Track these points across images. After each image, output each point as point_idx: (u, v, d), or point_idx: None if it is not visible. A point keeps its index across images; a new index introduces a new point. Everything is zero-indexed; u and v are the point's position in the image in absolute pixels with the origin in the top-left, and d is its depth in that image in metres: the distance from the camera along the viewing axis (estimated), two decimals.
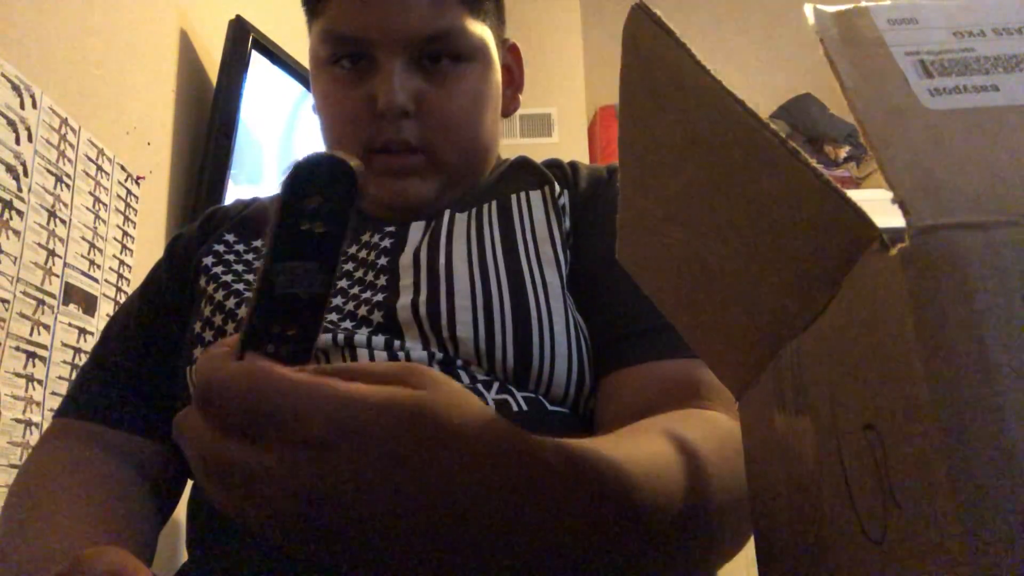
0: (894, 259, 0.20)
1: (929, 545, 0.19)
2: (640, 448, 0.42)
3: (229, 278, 0.68)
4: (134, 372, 0.70)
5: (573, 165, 0.76)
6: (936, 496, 0.19)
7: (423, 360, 0.58)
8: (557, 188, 0.71)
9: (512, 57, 0.79)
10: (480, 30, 0.70)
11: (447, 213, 0.69)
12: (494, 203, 0.70)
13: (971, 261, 0.19)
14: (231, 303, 0.66)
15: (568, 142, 2.93)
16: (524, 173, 0.75)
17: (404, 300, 0.62)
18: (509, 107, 0.79)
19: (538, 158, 0.79)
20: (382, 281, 0.65)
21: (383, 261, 0.66)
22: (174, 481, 0.69)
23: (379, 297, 0.63)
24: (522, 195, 0.71)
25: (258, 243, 0.73)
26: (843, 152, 3.11)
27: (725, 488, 0.44)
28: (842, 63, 0.23)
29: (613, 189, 0.71)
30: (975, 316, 0.19)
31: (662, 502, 0.39)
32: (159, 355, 0.70)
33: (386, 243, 0.68)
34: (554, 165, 0.76)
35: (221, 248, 0.72)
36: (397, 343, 0.60)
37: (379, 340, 0.59)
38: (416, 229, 0.68)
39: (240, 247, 0.73)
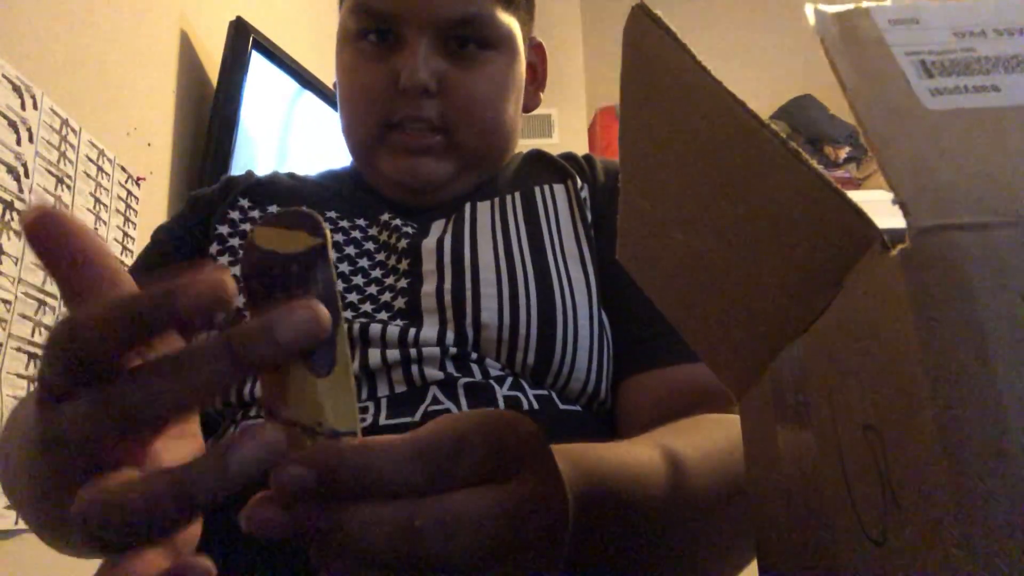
0: (894, 260, 0.20)
1: (929, 545, 0.19)
2: (632, 453, 0.45)
3: None
4: None
5: (588, 158, 0.76)
6: (936, 496, 0.19)
7: (435, 356, 0.58)
8: (579, 181, 0.71)
9: (537, 55, 0.80)
10: (509, 21, 0.71)
11: (468, 204, 0.69)
12: (517, 195, 0.70)
13: (971, 262, 0.19)
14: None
15: (568, 143, 2.94)
16: (543, 166, 0.76)
17: (428, 287, 0.62)
18: (530, 103, 0.79)
19: None
20: (404, 265, 0.64)
21: (403, 244, 0.65)
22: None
23: (403, 283, 0.63)
24: (546, 188, 0.71)
25: (273, 207, 0.72)
26: (843, 153, 3.12)
27: (722, 491, 0.45)
28: (843, 63, 0.23)
29: None
30: (975, 316, 0.19)
31: (649, 498, 0.42)
32: None
33: (408, 228, 0.67)
34: (570, 158, 0.76)
35: (236, 215, 0.71)
36: (412, 332, 0.59)
37: (393, 331, 0.59)
38: (438, 224, 0.68)
39: (255, 213, 0.71)
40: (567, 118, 3.03)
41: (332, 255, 0.32)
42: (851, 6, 0.25)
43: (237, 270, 0.67)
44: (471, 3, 0.67)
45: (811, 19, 0.25)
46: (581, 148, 2.97)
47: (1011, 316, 0.18)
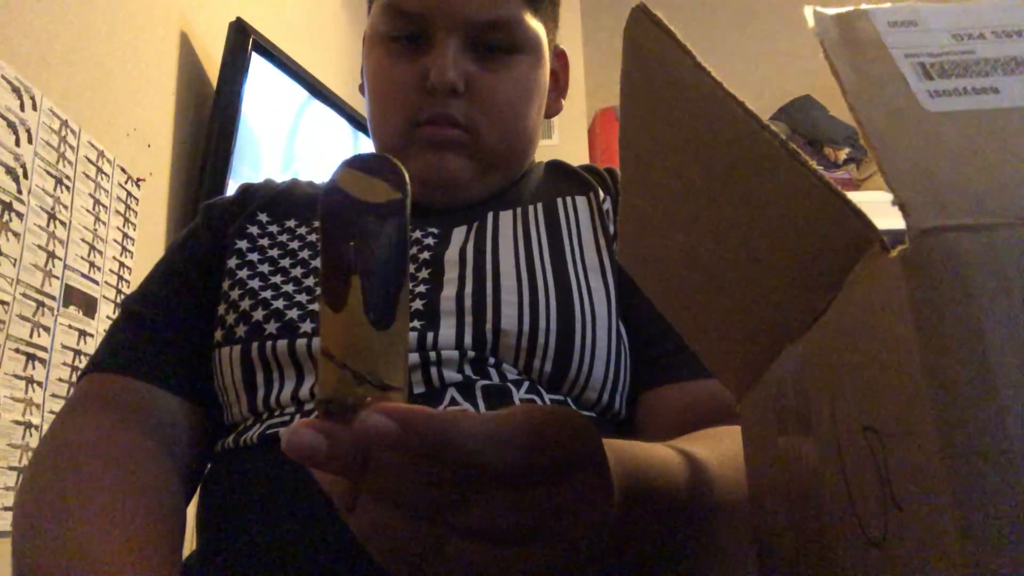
0: (894, 261, 0.20)
1: (929, 545, 0.19)
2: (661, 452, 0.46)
3: (266, 268, 0.67)
4: (174, 328, 0.68)
5: (611, 171, 0.77)
6: (936, 496, 0.19)
7: (454, 359, 0.58)
8: (601, 194, 0.72)
9: (559, 63, 0.81)
10: (536, 26, 0.72)
11: (491, 213, 0.70)
12: (539, 205, 0.71)
13: (971, 263, 0.19)
14: (267, 294, 0.64)
15: (568, 144, 2.93)
16: (565, 177, 0.77)
17: (448, 292, 0.62)
18: (551, 109, 0.80)
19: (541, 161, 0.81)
20: (424, 274, 0.65)
21: (426, 256, 0.66)
22: (201, 452, 0.67)
23: (421, 288, 0.63)
24: (568, 200, 0.72)
25: (291, 223, 0.72)
26: (843, 154, 3.12)
27: (743, 494, 0.46)
28: (842, 65, 0.24)
29: None
30: (975, 317, 0.19)
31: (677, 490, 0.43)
32: (200, 314, 0.68)
33: (429, 240, 0.68)
34: (592, 171, 0.77)
35: (255, 230, 0.71)
36: (430, 336, 0.59)
37: (411, 336, 0.59)
38: (459, 231, 0.69)
39: (274, 228, 0.72)
40: (567, 119, 3.03)
41: (409, 211, 0.33)
42: (850, 8, 0.25)
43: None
44: (500, 6, 0.69)
45: (810, 21, 0.25)
46: (581, 149, 2.97)
47: (1011, 317, 0.18)
